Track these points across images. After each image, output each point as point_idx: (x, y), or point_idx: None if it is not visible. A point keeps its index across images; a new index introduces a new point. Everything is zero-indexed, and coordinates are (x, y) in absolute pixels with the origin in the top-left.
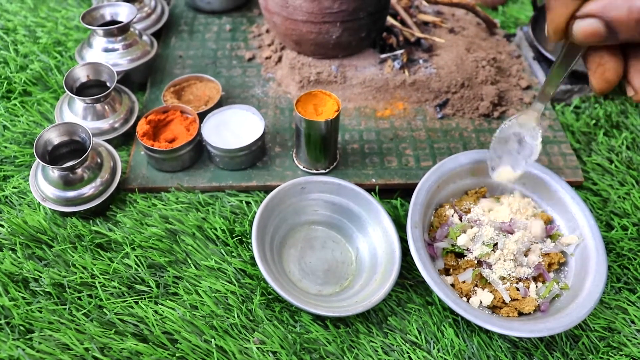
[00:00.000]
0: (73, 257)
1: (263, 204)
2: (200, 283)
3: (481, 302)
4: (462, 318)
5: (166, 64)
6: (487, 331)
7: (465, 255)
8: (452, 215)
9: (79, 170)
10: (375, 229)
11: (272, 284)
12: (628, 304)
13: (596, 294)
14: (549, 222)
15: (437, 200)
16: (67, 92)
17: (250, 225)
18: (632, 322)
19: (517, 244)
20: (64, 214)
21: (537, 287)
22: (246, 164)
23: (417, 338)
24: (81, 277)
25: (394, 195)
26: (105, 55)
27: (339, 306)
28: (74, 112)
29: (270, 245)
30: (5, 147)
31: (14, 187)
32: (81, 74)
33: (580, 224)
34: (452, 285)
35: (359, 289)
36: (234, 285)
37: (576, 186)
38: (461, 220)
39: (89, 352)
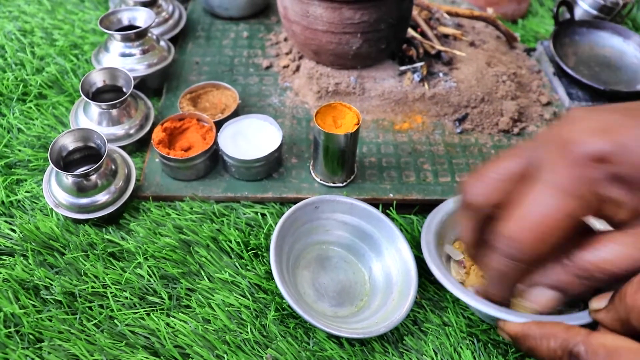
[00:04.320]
0: (85, 265)
1: (278, 227)
2: (214, 296)
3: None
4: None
5: (182, 70)
6: (505, 352)
7: None
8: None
9: (93, 177)
10: (389, 249)
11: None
12: None
13: None
14: None
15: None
16: (83, 97)
17: (266, 239)
18: None
19: None
20: (77, 221)
21: None
22: (262, 174)
23: (433, 359)
24: (92, 287)
25: (412, 211)
26: (122, 60)
27: (358, 328)
28: (89, 117)
29: (287, 267)
30: (20, 151)
31: (26, 192)
32: (97, 79)
33: None
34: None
35: (376, 309)
36: (248, 299)
37: None
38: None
39: None
